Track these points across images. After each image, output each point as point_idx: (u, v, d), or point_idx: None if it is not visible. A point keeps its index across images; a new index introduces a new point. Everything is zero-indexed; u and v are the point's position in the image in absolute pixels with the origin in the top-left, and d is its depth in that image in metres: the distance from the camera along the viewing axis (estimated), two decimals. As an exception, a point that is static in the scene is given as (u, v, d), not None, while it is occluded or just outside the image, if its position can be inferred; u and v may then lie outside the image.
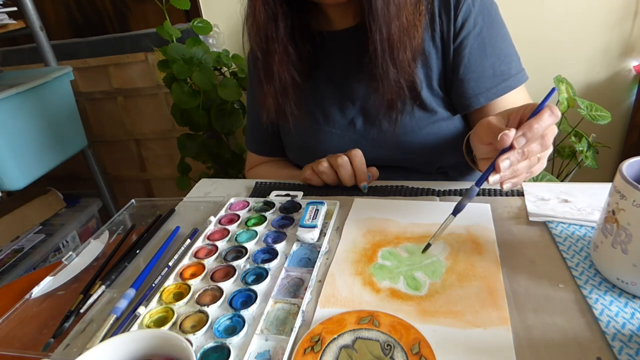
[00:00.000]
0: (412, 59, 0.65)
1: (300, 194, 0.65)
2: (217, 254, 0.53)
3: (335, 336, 0.39)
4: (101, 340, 0.39)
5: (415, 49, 0.65)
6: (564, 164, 1.47)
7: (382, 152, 0.73)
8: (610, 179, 0.43)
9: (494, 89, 0.67)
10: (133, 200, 0.70)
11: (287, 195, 0.65)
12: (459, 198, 0.60)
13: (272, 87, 0.69)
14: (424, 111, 0.70)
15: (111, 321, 0.44)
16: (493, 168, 0.47)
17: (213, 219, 0.60)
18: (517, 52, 0.70)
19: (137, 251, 0.56)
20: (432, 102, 0.69)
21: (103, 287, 0.49)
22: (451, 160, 0.75)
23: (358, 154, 0.63)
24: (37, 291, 0.51)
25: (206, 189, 0.72)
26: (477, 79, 0.67)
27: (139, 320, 0.43)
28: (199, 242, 0.55)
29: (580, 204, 0.56)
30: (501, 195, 0.60)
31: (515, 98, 0.68)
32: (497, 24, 0.69)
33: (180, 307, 0.45)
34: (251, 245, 0.54)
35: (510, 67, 0.68)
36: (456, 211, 0.51)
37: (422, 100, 0.69)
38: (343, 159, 0.63)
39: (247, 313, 0.43)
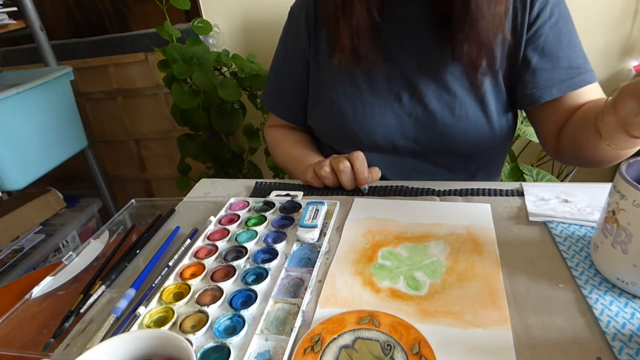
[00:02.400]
0: (504, 16, 0.63)
1: (300, 194, 0.65)
2: (217, 254, 0.53)
3: (335, 336, 0.39)
4: (101, 340, 0.39)
5: (505, 11, 0.63)
6: (563, 164, 1.47)
7: (423, 135, 0.70)
8: (610, 179, 0.43)
9: (568, 81, 0.65)
10: (133, 200, 0.70)
11: (287, 195, 0.65)
12: (459, 198, 0.60)
13: (349, 27, 0.66)
14: (477, 99, 0.68)
15: (111, 321, 0.44)
16: None
17: (213, 219, 0.60)
18: None
19: (137, 251, 0.56)
20: (489, 93, 0.68)
21: (103, 287, 0.49)
22: (484, 161, 0.73)
23: (360, 157, 0.63)
24: (37, 291, 0.51)
25: (206, 189, 0.72)
26: (550, 69, 0.65)
27: (139, 320, 0.43)
28: (199, 242, 0.55)
29: (580, 204, 0.56)
30: (501, 195, 0.60)
31: (591, 94, 0.66)
32: (570, 19, 0.68)
33: (180, 307, 0.45)
34: (251, 245, 0.54)
35: (585, 62, 0.67)
36: None
37: (478, 87, 0.67)
38: (345, 165, 0.62)
39: (247, 313, 0.43)
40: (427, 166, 0.73)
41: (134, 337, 0.34)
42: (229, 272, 0.49)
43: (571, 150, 0.67)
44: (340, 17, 0.66)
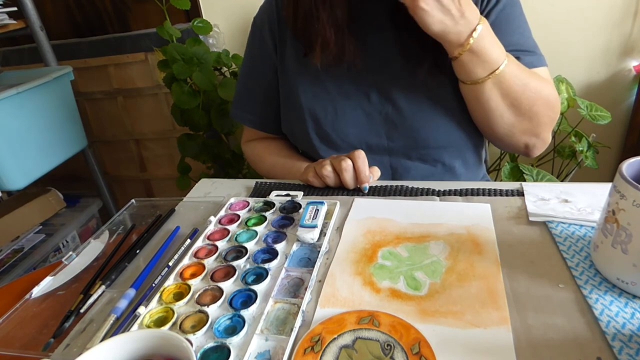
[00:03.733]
0: None
1: (300, 194, 0.65)
2: (217, 254, 0.53)
3: (335, 336, 0.39)
4: (101, 340, 0.39)
5: None
6: (564, 164, 1.47)
7: (395, 131, 0.71)
8: (610, 179, 0.43)
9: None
10: (133, 200, 0.70)
11: (287, 195, 0.65)
12: (459, 198, 0.60)
13: (332, 19, 0.66)
14: (443, 91, 0.69)
15: (111, 321, 0.44)
16: None
17: (213, 219, 0.60)
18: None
19: (137, 251, 0.56)
20: (455, 83, 0.68)
21: (103, 287, 0.49)
22: (459, 151, 0.74)
23: (361, 155, 0.63)
24: (37, 291, 0.51)
25: (206, 189, 0.72)
26: None
27: (139, 320, 0.43)
28: (199, 242, 0.55)
29: (580, 204, 0.56)
30: (501, 195, 0.60)
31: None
32: (519, 6, 0.70)
33: (180, 307, 0.45)
34: (251, 245, 0.54)
35: (535, 47, 0.69)
36: None
37: (443, 80, 0.68)
38: (347, 163, 0.63)
39: (247, 313, 0.43)
40: (403, 162, 0.74)
41: (134, 337, 0.34)
42: (229, 272, 0.49)
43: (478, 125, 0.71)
44: (321, 11, 0.66)
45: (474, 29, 0.59)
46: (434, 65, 0.67)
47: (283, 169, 0.78)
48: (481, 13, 0.66)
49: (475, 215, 0.55)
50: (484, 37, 0.60)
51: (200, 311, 0.44)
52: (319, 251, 0.51)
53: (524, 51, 0.67)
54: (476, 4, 0.66)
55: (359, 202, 0.61)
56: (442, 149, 0.73)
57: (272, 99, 0.80)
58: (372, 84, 0.71)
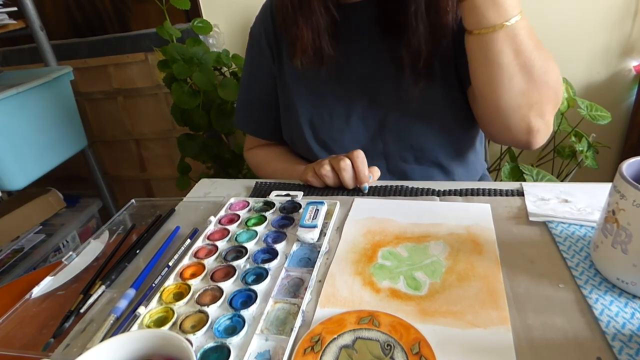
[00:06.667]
0: (449, 25, 0.63)
1: (300, 194, 0.65)
2: (217, 254, 0.53)
3: (335, 336, 0.39)
4: (101, 340, 0.39)
5: (451, 20, 0.63)
6: (564, 164, 1.47)
7: (390, 136, 0.72)
8: (610, 179, 0.43)
9: None
10: (133, 200, 0.70)
11: (287, 195, 0.65)
12: (459, 198, 0.60)
13: (309, 26, 0.66)
14: (435, 96, 0.68)
15: (111, 321, 0.44)
16: None
17: (213, 219, 0.60)
18: None
19: (137, 251, 0.56)
20: (446, 88, 0.68)
21: (103, 287, 0.49)
22: (455, 153, 0.74)
23: (360, 155, 0.63)
24: (37, 291, 0.51)
25: (206, 189, 0.72)
26: None
27: (139, 320, 0.43)
28: (199, 242, 0.55)
29: (580, 204, 0.56)
30: (501, 195, 0.60)
31: None
32: None
33: (180, 307, 0.45)
34: (251, 245, 0.54)
35: None
36: None
37: (433, 87, 0.68)
38: (346, 162, 0.63)
39: (247, 313, 0.43)
40: (401, 165, 0.74)
41: (134, 337, 0.34)
42: (229, 272, 0.49)
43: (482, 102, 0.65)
44: (299, 17, 0.66)
45: None
46: (423, 70, 0.66)
47: (284, 174, 0.79)
48: None
49: (475, 215, 0.55)
50: None
51: (200, 311, 0.44)
52: (319, 251, 0.51)
53: None
54: None
55: (359, 202, 0.61)
56: (436, 151, 0.73)
57: (273, 108, 0.81)
58: (365, 90, 0.71)
